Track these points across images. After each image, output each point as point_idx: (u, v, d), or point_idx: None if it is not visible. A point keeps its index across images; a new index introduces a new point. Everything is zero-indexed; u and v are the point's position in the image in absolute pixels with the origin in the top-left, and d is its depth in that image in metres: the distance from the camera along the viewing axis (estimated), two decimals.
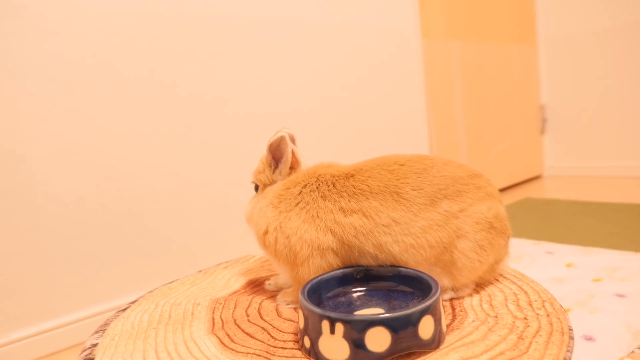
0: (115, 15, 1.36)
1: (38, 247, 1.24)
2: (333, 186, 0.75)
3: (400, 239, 0.70)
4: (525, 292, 0.76)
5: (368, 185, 0.73)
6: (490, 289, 0.78)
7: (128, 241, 1.40)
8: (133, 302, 0.87)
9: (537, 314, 0.68)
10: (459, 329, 0.66)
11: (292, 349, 0.65)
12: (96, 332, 0.75)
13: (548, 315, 0.67)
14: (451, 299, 0.76)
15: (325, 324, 0.59)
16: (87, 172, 1.32)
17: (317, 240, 0.72)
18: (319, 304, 0.68)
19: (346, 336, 0.58)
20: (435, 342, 0.61)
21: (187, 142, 1.53)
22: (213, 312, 0.79)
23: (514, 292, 0.76)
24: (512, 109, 3.24)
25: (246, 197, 0.93)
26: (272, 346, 0.66)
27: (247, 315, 0.77)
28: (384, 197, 0.72)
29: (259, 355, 0.63)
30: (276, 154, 0.82)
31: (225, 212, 1.62)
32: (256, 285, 0.91)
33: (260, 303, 0.81)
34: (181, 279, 0.99)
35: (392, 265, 0.72)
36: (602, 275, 1.40)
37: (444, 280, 0.74)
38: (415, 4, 2.47)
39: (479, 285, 0.79)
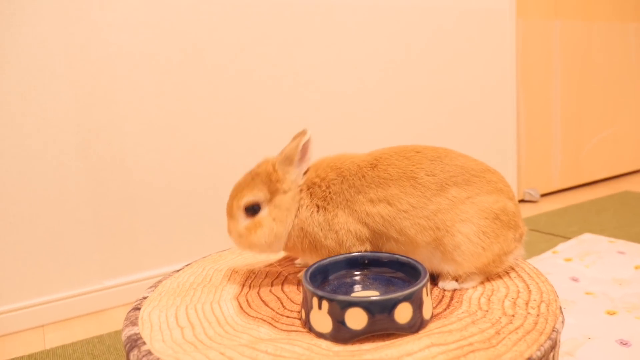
0: (199, 6, 1.51)
1: (128, 211, 1.46)
2: (363, 178, 0.81)
3: (416, 222, 0.78)
4: (530, 291, 0.79)
5: (389, 173, 0.80)
6: (496, 284, 0.82)
7: (202, 210, 1.58)
8: (187, 265, 1.03)
9: (528, 313, 0.71)
10: (445, 317, 0.71)
11: (294, 318, 0.75)
12: (150, 287, 0.91)
13: (537, 316, 0.70)
14: (454, 290, 0.81)
15: (315, 300, 0.68)
16: (171, 148, 1.51)
17: (358, 232, 0.81)
18: (323, 283, 0.77)
19: (330, 312, 0.66)
20: (414, 327, 0.67)
21: (262, 123, 1.67)
22: (245, 280, 0.91)
23: (518, 290, 0.79)
24: (623, 94, 2.98)
25: None
26: (279, 314, 0.76)
27: (271, 286, 0.88)
28: (402, 183, 0.78)
29: (265, 321, 0.74)
30: (303, 154, 0.83)
31: None
32: (291, 260, 1.02)
33: (286, 276, 0.92)
34: (232, 249, 1.13)
35: (392, 254, 0.78)
36: None
37: (446, 267, 0.79)
38: None
39: (487, 279, 0.83)
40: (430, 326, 0.69)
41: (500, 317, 0.70)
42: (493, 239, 0.78)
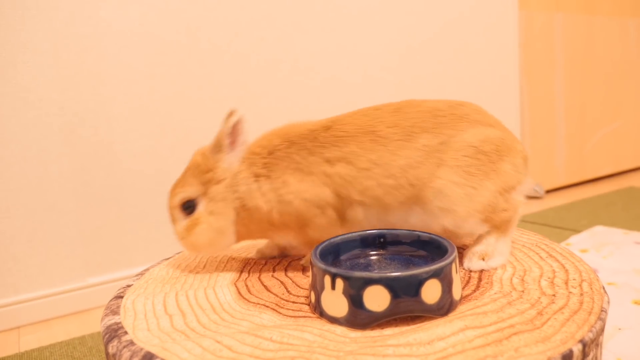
0: None
1: (116, 202, 1.36)
2: (316, 140, 0.72)
3: (383, 182, 0.69)
4: (566, 270, 0.69)
5: (345, 131, 0.71)
6: (527, 264, 0.72)
7: None
8: (178, 253, 0.93)
9: (570, 292, 0.62)
10: (477, 299, 0.62)
11: (301, 303, 0.65)
12: (136, 275, 0.81)
13: (581, 295, 0.61)
14: (481, 271, 0.71)
15: (327, 279, 0.58)
16: (162, 134, 1.41)
17: (317, 198, 0.71)
18: (334, 263, 0.68)
19: (345, 292, 0.57)
20: (442, 309, 0.57)
21: (258, 109, 1.57)
22: (243, 266, 0.81)
23: (553, 270, 0.70)
24: (625, 89, 2.92)
25: None
26: (284, 299, 0.67)
27: (273, 271, 0.78)
28: (360, 139, 0.70)
29: (268, 307, 0.64)
30: (235, 137, 0.73)
31: None
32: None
33: (290, 262, 0.82)
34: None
35: (411, 230, 0.69)
36: None
37: (438, 222, 0.70)
38: None
39: (516, 260, 0.74)
40: (461, 308, 0.59)
41: (539, 297, 0.61)
42: (482, 175, 0.68)
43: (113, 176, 1.34)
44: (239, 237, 0.75)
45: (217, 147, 0.72)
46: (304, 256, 0.84)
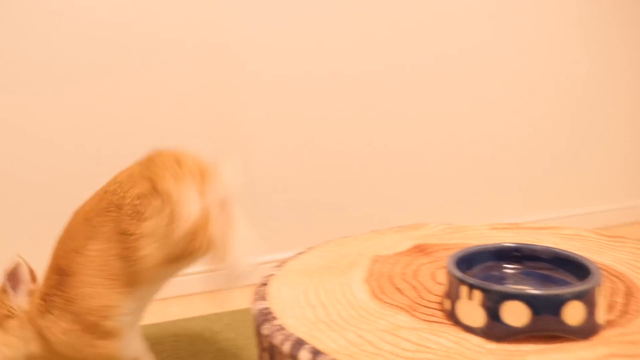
0: None
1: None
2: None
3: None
4: None
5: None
6: None
7: (315, 198, 1.57)
8: (310, 248, 0.99)
9: None
10: (623, 326, 0.60)
11: (434, 309, 0.67)
12: (276, 266, 0.89)
13: None
14: (628, 296, 0.68)
15: (464, 289, 0.60)
16: (302, 133, 1.51)
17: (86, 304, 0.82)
18: (466, 273, 0.69)
19: (483, 304, 0.58)
20: (584, 332, 0.57)
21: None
22: (373, 265, 0.85)
23: None
24: None
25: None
26: (417, 303, 0.69)
27: (404, 274, 0.81)
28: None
29: (402, 309, 0.68)
30: (14, 281, 0.84)
31: (398, 180, 1.67)
32: (420, 251, 0.94)
33: (419, 266, 0.85)
34: (355, 235, 1.08)
35: (549, 247, 0.68)
36: None
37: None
38: None
39: None
40: (605, 334, 0.58)
41: None
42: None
43: None
44: None
45: (2, 290, 0.85)
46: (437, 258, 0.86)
